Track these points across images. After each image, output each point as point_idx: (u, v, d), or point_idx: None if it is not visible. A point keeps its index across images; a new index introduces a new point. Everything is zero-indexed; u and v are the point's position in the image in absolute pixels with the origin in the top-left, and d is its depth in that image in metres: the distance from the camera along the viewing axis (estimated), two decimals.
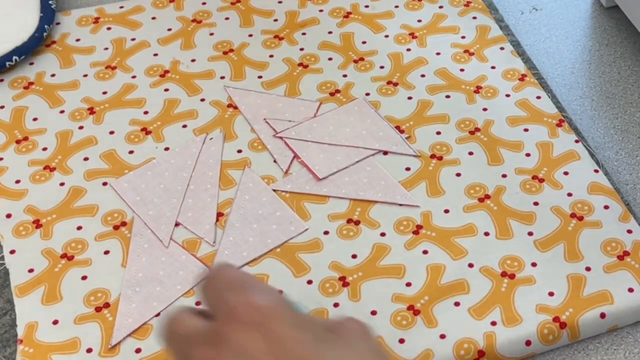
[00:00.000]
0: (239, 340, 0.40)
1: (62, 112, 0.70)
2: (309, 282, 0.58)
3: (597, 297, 0.57)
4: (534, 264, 0.59)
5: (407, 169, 0.65)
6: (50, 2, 0.76)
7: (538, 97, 0.70)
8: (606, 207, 0.62)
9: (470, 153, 0.66)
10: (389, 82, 0.71)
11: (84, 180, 0.65)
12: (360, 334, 0.43)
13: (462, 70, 0.72)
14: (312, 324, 0.42)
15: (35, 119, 0.69)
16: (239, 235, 0.60)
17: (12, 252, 0.60)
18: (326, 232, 0.61)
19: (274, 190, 0.63)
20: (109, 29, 0.76)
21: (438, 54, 0.74)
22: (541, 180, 0.64)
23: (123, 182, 0.64)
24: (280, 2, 0.79)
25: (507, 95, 0.70)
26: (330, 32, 0.76)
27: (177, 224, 0.61)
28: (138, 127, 0.68)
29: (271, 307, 0.41)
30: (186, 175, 0.64)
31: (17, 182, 0.65)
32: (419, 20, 0.77)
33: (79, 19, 0.77)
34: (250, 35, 0.75)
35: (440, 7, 0.78)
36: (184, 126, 0.68)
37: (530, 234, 0.61)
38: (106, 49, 0.75)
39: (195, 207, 0.62)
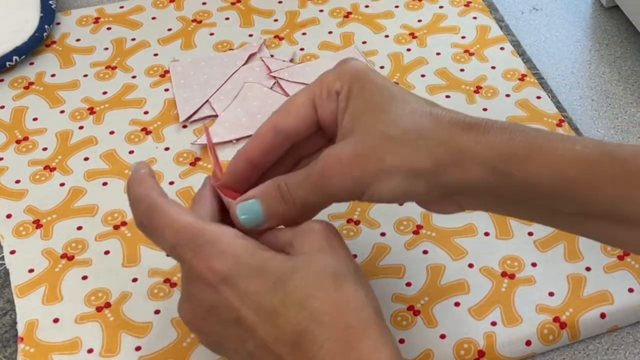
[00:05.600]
0: (207, 300, 0.46)
1: (62, 112, 0.70)
2: None
3: (597, 297, 0.57)
4: (534, 264, 0.59)
5: None
6: (50, 2, 0.76)
7: (538, 97, 0.70)
8: None
9: None
10: None
11: (84, 180, 0.65)
12: (317, 247, 0.46)
13: (462, 70, 0.72)
14: (269, 267, 0.45)
15: (35, 119, 0.69)
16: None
17: (13, 252, 0.60)
18: None
19: None
20: (109, 29, 0.76)
21: (438, 54, 0.74)
22: None
23: (178, 65, 0.72)
24: (280, 2, 0.79)
25: (507, 95, 0.70)
26: (330, 32, 0.76)
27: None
28: (138, 127, 0.68)
29: (229, 270, 0.45)
30: (229, 72, 0.71)
31: (17, 182, 0.65)
32: (419, 20, 0.77)
33: (79, 19, 0.77)
34: (251, 35, 0.75)
35: (441, 7, 0.78)
36: (184, 126, 0.68)
37: (530, 234, 0.61)
38: (106, 49, 0.75)
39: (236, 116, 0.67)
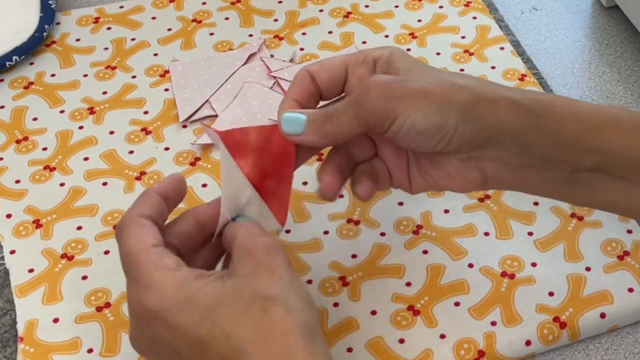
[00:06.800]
0: (146, 331, 0.47)
1: (62, 112, 0.70)
2: (309, 281, 0.58)
3: (597, 297, 0.57)
4: (534, 264, 0.59)
5: None
6: (50, 2, 0.76)
7: None
8: None
9: None
10: None
11: (84, 180, 0.65)
12: (251, 270, 0.46)
13: (462, 70, 0.72)
14: (198, 299, 0.45)
15: (35, 119, 0.69)
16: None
17: (12, 252, 0.60)
18: (326, 232, 0.61)
19: None
20: (109, 29, 0.76)
21: (438, 54, 0.74)
22: None
23: (178, 65, 0.72)
24: (280, 2, 0.79)
25: None
26: (330, 32, 0.76)
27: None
28: (138, 127, 0.68)
29: (157, 306, 0.46)
30: (229, 72, 0.71)
31: (17, 182, 0.65)
32: (419, 20, 0.77)
33: (79, 19, 0.77)
34: (251, 35, 0.75)
35: (440, 7, 0.78)
36: (184, 126, 0.68)
37: (530, 234, 0.61)
38: (106, 49, 0.75)
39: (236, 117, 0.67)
